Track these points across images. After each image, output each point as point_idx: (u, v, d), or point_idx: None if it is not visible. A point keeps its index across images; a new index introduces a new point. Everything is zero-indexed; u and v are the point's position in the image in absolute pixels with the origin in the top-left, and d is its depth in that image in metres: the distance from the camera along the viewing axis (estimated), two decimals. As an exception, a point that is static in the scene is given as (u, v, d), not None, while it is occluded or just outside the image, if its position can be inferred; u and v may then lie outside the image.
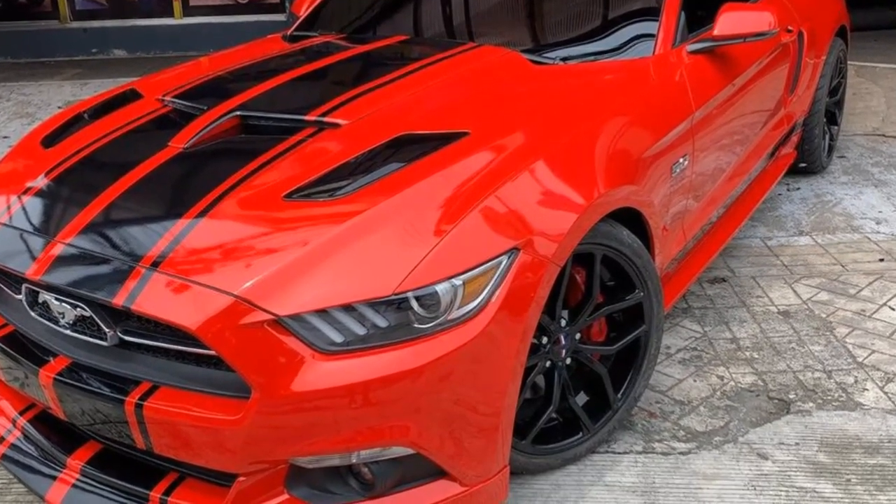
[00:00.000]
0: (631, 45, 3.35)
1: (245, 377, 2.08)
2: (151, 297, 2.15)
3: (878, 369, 3.29)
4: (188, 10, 10.53)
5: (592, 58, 3.31)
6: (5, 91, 8.44)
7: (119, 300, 2.17)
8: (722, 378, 3.27)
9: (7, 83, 8.83)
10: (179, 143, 2.70)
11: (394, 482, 2.28)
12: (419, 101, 2.90)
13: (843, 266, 4.15)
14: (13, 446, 2.60)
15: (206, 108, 2.91)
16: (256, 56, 3.62)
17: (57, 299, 2.31)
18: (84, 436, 2.54)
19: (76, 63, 10.05)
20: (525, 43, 3.55)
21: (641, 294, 2.79)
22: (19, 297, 2.46)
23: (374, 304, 2.12)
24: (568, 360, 2.71)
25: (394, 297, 2.11)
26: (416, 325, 2.15)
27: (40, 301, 2.40)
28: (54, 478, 2.48)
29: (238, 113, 2.83)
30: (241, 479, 2.21)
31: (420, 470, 2.29)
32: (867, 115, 6.54)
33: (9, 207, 2.62)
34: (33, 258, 2.37)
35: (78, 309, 2.28)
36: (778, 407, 3.08)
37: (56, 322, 2.37)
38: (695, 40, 3.43)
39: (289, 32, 4.11)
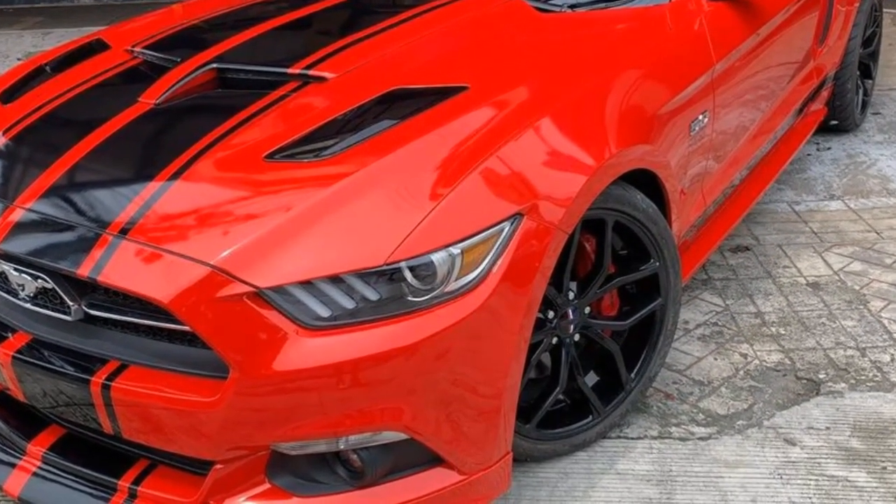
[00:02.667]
0: (646, -10, 3.32)
1: (222, 355, 2.07)
2: (120, 267, 2.14)
3: (915, 346, 3.29)
4: (161, -47, 10.44)
5: (603, 5, 3.29)
6: (-39, 42, 8.42)
7: (84, 271, 2.16)
8: (745, 356, 3.27)
9: (-38, 34, 8.80)
10: (151, 98, 2.69)
11: (385, 470, 2.27)
12: (413, 53, 2.88)
13: (877, 233, 4.14)
14: (-32, 431, 2.61)
15: (179, 60, 2.90)
16: (235, 3, 3.61)
17: (16, 270, 2.30)
18: (46, 419, 2.54)
19: (37, 11, 10.00)
20: (530, -12, 3.52)
21: (657, 264, 2.78)
22: (-26, 267, 2.45)
23: (364, 275, 2.11)
24: (576, 337, 2.70)
25: (386, 267, 2.10)
26: (410, 298, 2.13)
27: (-2, 272, 2.39)
28: (13, 465, 2.48)
29: (215, 65, 2.83)
30: (218, 466, 2.21)
31: (414, 457, 2.29)
32: (904, 68, 6.52)
33: (-38, 169, 2.60)
34: (-11, 225, 2.36)
35: (39, 280, 2.27)
36: (807, 388, 3.08)
37: (15, 295, 2.36)
38: (717, -15, 3.40)
39: (270, -23, 4.08)
